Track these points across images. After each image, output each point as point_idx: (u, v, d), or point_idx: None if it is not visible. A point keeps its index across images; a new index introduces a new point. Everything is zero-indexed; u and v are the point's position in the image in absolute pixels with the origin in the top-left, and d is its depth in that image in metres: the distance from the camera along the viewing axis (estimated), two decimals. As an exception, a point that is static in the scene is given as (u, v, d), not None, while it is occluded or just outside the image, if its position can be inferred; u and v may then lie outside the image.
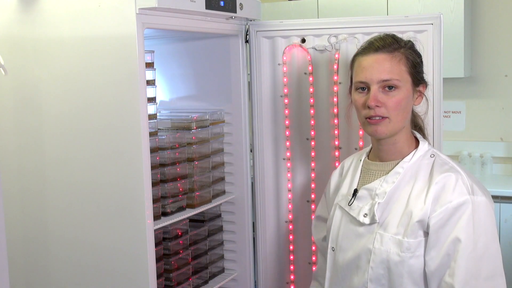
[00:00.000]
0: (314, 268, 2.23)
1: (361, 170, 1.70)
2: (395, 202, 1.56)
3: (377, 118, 1.55)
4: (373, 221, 1.57)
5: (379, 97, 1.54)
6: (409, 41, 1.63)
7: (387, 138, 1.59)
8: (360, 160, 1.72)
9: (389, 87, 1.54)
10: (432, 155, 1.61)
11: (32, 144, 1.92)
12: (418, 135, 1.66)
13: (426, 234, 1.51)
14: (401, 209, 1.55)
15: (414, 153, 1.61)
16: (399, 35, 1.66)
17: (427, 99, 1.67)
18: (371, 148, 1.72)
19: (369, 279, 1.56)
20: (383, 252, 1.54)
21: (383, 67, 1.55)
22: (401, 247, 1.52)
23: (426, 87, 1.64)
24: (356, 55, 1.63)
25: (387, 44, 1.57)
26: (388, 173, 1.61)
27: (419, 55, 1.63)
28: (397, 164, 1.60)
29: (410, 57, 1.58)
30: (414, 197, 1.54)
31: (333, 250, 1.68)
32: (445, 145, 2.09)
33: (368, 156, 1.71)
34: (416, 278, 1.52)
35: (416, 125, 1.69)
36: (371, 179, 1.64)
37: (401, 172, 1.58)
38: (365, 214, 1.59)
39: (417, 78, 1.60)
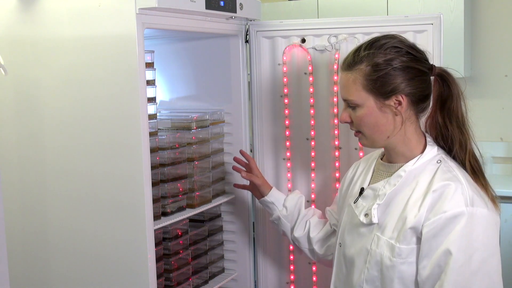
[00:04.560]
0: (314, 268, 2.24)
1: (374, 169, 1.70)
2: (394, 205, 1.55)
3: (356, 132, 1.61)
4: (370, 222, 1.57)
5: (346, 114, 1.60)
6: (378, 49, 1.52)
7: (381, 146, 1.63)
8: (375, 159, 1.73)
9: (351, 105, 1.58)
10: (439, 161, 1.56)
11: (32, 144, 1.92)
12: (429, 139, 1.61)
13: (419, 241, 1.49)
14: (398, 213, 1.53)
15: (419, 157, 1.58)
16: (396, 35, 1.61)
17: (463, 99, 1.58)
18: None
19: (365, 279, 1.56)
20: (378, 254, 1.54)
21: (342, 86, 1.59)
22: (393, 252, 1.51)
23: (406, 97, 1.52)
24: None
25: (347, 62, 1.57)
26: (392, 174, 1.61)
27: (388, 65, 1.50)
28: (401, 167, 1.60)
29: (370, 72, 1.51)
30: (412, 202, 1.52)
31: (340, 246, 1.69)
32: (445, 145, 2.09)
33: (382, 156, 1.71)
34: (407, 284, 1.50)
35: (443, 134, 1.60)
36: (378, 179, 1.65)
37: (403, 176, 1.57)
38: (366, 214, 1.59)
39: (383, 92, 1.51)
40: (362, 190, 1.66)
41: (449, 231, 1.44)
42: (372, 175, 1.69)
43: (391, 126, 1.56)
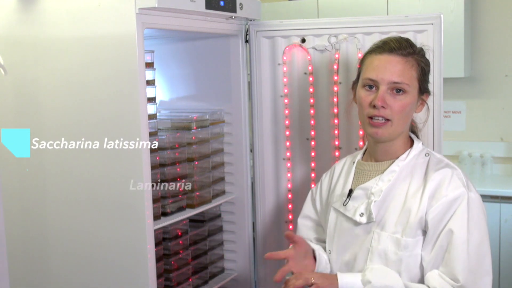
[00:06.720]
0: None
1: (355, 171, 1.70)
2: (392, 200, 1.57)
3: (380, 120, 1.56)
4: (370, 220, 1.58)
5: (386, 98, 1.55)
6: (422, 48, 1.64)
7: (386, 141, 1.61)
8: (353, 162, 1.73)
9: (397, 90, 1.55)
10: (427, 154, 1.63)
11: (32, 143, 1.92)
12: (412, 135, 1.68)
13: (424, 233, 1.52)
14: (399, 208, 1.56)
15: (409, 152, 1.62)
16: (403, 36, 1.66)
17: (428, 108, 1.69)
18: (366, 149, 1.73)
19: None
20: (381, 250, 1.54)
21: (395, 69, 1.56)
22: (399, 245, 1.52)
23: (429, 96, 1.66)
24: (369, 53, 1.63)
25: (402, 46, 1.58)
26: (383, 172, 1.62)
27: (428, 64, 1.64)
28: (392, 163, 1.62)
29: (421, 65, 1.60)
30: (411, 195, 1.55)
31: (330, 253, 1.69)
32: (445, 145, 2.09)
33: (362, 157, 1.72)
34: (412, 277, 1.53)
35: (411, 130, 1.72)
36: (366, 179, 1.65)
37: (397, 171, 1.60)
38: (361, 213, 1.60)
39: (423, 86, 1.62)
40: (350, 191, 1.66)
41: (451, 213, 1.49)
42: (354, 177, 1.69)
43: (410, 120, 1.65)
